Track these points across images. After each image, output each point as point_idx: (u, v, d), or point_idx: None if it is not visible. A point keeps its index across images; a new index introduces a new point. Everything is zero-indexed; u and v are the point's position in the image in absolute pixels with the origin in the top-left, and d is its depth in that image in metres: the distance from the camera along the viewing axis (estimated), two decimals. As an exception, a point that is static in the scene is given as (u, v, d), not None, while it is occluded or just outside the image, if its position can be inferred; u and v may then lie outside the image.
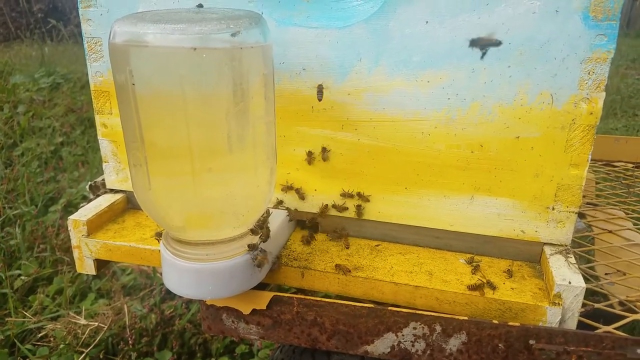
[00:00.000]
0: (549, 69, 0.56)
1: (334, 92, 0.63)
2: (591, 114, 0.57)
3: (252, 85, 0.50)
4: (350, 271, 0.62)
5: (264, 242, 0.58)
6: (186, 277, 0.55)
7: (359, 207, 0.67)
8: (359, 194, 0.67)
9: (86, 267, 0.73)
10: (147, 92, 0.47)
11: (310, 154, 0.66)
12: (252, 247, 0.56)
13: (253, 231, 0.57)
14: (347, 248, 0.68)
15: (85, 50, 0.69)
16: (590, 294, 0.73)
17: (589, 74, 0.55)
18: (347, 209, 0.68)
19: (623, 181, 1.13)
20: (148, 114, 0.48)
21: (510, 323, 0.55)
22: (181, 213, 0.52)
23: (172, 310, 1.34)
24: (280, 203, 0.70)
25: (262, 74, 0.51)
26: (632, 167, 1.22)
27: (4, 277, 1.46)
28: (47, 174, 2.11)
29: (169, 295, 1.44)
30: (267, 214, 0.60)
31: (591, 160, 1.28)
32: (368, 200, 0.67)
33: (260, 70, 0.51)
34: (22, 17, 5.32)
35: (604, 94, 0.56)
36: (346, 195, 0.67)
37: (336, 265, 0.63)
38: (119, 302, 1.38)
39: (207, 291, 0.55)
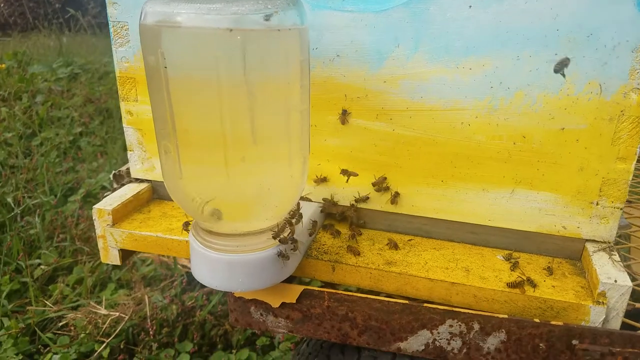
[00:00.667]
0: (598, 57, 0.53)
1: (369, 80, 0.61)
2: (642, 104, 0.54)
3: (289, 71, 0.48)
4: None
5: (293, 235, 0.56)
6: (217, 268, 0.53)
7: (395, 194, 0.65)
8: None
9: (111, 258, 0.71)
10: (179, 76, 0.46)
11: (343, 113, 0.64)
12: (283, 240, 0.54)
13: (287, 223, 0.55)
14: (355, 237, 0.66)
15: (111, 34, 0.68)
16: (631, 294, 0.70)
17: (640, 62, 0.52)
18: (368, 198, 0.66)
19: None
20: (180, 98, 0.47)
21: (553, 322, 0.53)
22: (213, 203, 0.50)
23: (193, 301, 1.33)
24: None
25: (298, 59, 0.49)
26: (666, 163, 1.18)
27: (24, 266, 1.47)
28: (66, 164, 2.12)
29: (190, 286, 1.44)
30: (299, 206, 0.58)
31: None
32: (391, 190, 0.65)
33: (296, 54, 0.48)
34: (39, 7, 5.35)
35: (656, 83, 0.53)
36: (378, 186, 0.65)
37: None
38: (140, 292, 1.38)
39: (238, 283, 0.53)
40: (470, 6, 0.55)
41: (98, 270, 1.54)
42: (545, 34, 0.54)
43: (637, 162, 1.23)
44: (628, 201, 0.96)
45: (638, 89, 0.53)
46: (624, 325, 0.60)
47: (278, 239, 0.53)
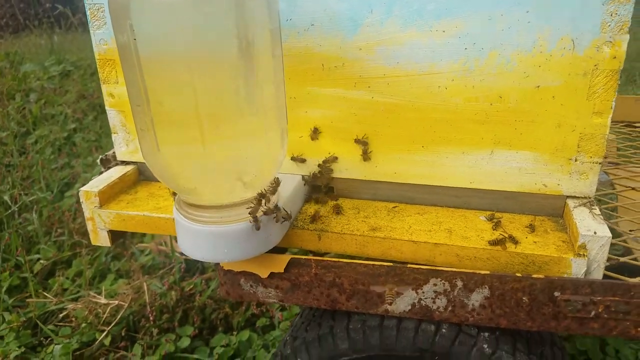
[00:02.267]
0: (569, 12, 0.53)
1: (344, 48, 0.61)
2: (614, 57, 0.54)
3: (258, 40, 0.48)
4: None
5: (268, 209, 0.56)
6: (201, 240, 0.54)
7: (365, 145, 0.65)
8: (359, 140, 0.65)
9: (101, 239, 0.72)
10: (149, 48, 0.46)
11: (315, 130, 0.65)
12: (269, 211, 0.55)
13: (262, 196, 0.55)
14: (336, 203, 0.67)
15: (87, 16, 0.68)
16: (616, 249, 0.71)
17: (611, 15, 0.53)
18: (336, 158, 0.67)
19: (645, 141, 1.09)
20: (151, 72, 0.47)
21: (534, 275, 0.54)
22: (191, 175, 0.51)
23: (192, 287, 1.34)
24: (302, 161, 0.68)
25: (268, 28, 0.49)
26: (654, 126, 1.18)
27: (23, 262, 1.48)
28: (62, 160, 2.12)
29: (188, 273, 1.45)
30: (278, 179, 0.58)
31: (612, 121, 1.26)
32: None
33: (265, 23, 0.49)
34: (30, 7, 5.32)
35: (627, 36, 0.53)
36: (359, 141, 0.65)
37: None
38: (138, 281, 1.39)
39: (223, 254, 0.54)
40: (440, -33, 0.55)
41: (97, 262, 1.55)
42: (516, -9, 0.54)
43: (624, 124, 1.23)
44: (614, 163, 0.97)
45: (610, 42, 0.54)
46: (610, 279, 0.61)
47: (254, 213, 0.53)
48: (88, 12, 0.68)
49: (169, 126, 0.49)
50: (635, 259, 0.67)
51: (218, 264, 0.62)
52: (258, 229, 0.53)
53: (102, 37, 0.68)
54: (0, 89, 2.67)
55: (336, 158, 0.67)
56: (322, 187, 0.70)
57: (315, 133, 0.66)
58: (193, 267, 1.47)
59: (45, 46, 3.91)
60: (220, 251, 0.54)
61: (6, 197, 1.77)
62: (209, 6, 0.44)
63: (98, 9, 0.67)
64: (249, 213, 0.53)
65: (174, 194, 0.59)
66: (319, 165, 0.67)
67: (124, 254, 1.58)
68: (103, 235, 0.72)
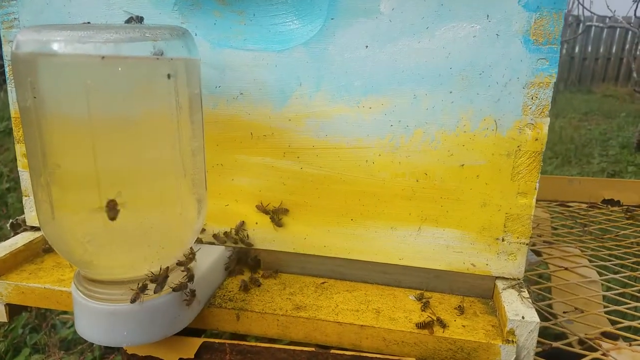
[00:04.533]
0: (491, 94, 0.55)
1: (274, 118, 0.60)
2: (536, 140, 0.55)
3: (173, 105, 0.46)
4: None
5: (189, 281, 0.51)
6: (98, 320, 0.48)
7: (273, 218, 0.62)
8: (275, 210, 0.63)
9: (-4, 314, 0.64)
10: (49, 108, 0.42)
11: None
12: (177, 288, 0.50)
13: (179, 264, 0.51)
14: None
15: (5, 73, 0.64)
16: (549, 333, 0.69)
17: (532, 98, 0.54)
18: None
19: (579, 221, 1.12)
20: (50, 132, 0.43)
21: (462, 365, 0.51)
22: (87, 246, 0.46)
23: (112, 365, 1.22)
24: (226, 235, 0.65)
25: (186, 92, 0.47)
26: (586, 207, 1.23)
27: None
28: (-11, 221, 1.98)
29: (111, 349, 1.32)
30: (193, 250, 0.54)
31: (546, 200, 1.30)
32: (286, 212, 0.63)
33: (183, 87, 0.47)
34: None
35: (548, 119, 0.55)
36: (261, 209, 0.63)
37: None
38: (54, 357, 1.25)
39: (122, 337, 0.48)
40: (366, 46, 0.56)
41: (12, 334, 1.41)
42: (440, 72, 0.55)
43: (558, 204, 1.27)
44: (548, 242, 0.98)
45: (532, 124, 0.55)
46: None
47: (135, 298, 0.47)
48: (7, 68, 0.64)
49: (65, 191, 0.44)
50: (569, 344, 0.66)
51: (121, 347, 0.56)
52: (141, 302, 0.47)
53: (18, 94, 0.65)
54: None
55: (243, 222, 0.63)
56: (248, 259, 0.66)
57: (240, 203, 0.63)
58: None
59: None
60: (119, 334, 0.48)
61: None
62: (119, 65, 0.42)
63: (16, 66, 0.63)
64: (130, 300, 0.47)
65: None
66: (234, 233, 0.64)
67: (42, 326, 1.44)
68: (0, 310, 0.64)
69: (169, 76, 0.44)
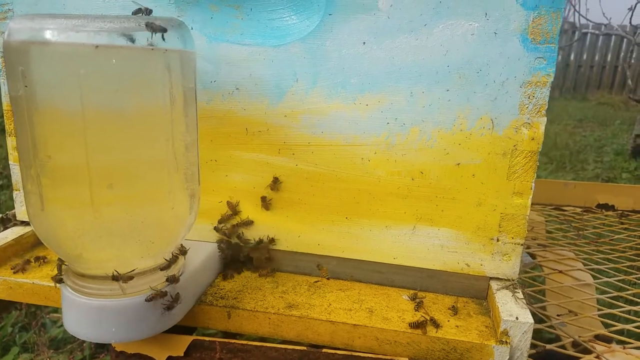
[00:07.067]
0: (488, 92, 0.54)
1: (269, 114, 0.59)
2: (533, 139, 0.55)
3: (167, 97, 0.45)
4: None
5: (172, 282, 0.50)
6: (86, 316, 0.47)
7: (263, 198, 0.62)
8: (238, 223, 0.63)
9: (-17, 310, 0.63)
10: (40, 98, 0.42)
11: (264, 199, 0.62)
12: (151, 298, 0.48)
13: (169, 262, 0.50)
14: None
15: (-2, 65, 0.63)
16: (543, 335, 0.69)
17: (529, 98, 0.54)
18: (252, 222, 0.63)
19: (573, 224, 1.12)
20: (41, 122, 0.42)
21: (455, 365, 0.50)
22: (77, 239, 0.45)
23: (102, 365, 1.21)
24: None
25: (180, 85, 0.46)
26: (581, 211, 1.23)
27: None
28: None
29: (101, 349, 1.31)
30: (183, 248, 0.53)
31: (541, 204, 1.30)
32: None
33: (178, 80, 0.46)
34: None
35: (545, 118, 0.54)
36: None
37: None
38: (42, 356, 1.24)
39: (110, 333, 0.47)
40: (364, 43, 0.55)
41: (1, 333, 1.38)
42: (437, 70, 0.55)
43: (553, 207, 1.26)
44: (543, 245, 0.98)
45: (529, 123, 0.55)
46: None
47: (150, 286, 0.47)
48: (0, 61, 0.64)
49: (56, 183, 0.43)
50: (563, 347, 0.65)
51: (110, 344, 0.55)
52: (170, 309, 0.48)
53: (10, 86, 0.64)
54: None
55: (252, 222, 0.63)
56: (241, 256, 0.65)
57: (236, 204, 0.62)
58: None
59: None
60: (107, 330, 0.47)
61: None
62: (113, 56, 0.41)
63: (9, 57, 0.63)
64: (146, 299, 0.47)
65: (61, 260, 0.53)
66: (232, 227, 0.63)
67: (32, 324, 1.42)
68: (-16, 305, 0.62)
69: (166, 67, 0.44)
